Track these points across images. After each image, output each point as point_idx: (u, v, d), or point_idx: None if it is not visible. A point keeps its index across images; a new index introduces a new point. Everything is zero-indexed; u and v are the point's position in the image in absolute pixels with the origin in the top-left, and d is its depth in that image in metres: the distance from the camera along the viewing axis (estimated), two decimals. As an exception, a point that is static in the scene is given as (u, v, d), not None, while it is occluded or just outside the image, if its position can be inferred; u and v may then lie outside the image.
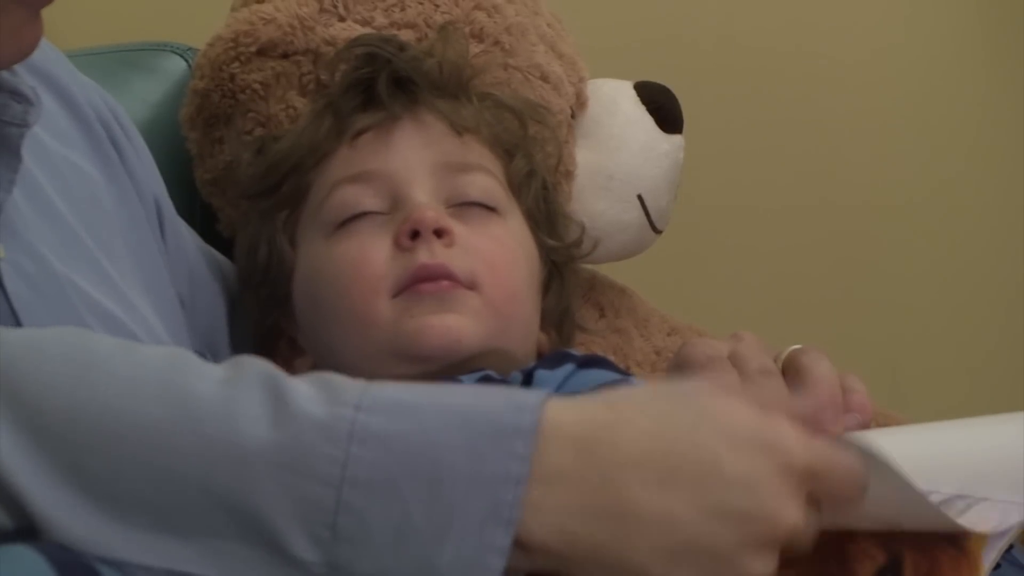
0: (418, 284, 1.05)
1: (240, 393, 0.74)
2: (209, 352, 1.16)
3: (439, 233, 1.05)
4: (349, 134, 1.12)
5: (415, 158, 1.10)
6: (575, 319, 1.22)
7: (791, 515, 0.74)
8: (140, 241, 1.10)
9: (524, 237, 1.13)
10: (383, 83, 1.12)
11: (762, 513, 0.73)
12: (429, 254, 1.05)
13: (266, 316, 1.15)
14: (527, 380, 1.03)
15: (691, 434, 0.74)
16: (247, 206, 1.18)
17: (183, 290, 1.16)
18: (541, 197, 1.16)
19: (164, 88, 1.38)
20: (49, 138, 1.04)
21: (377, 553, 0.71)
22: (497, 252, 1.08)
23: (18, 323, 0.91)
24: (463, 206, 1.09)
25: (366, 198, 1.09)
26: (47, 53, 1.08)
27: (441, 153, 1.10)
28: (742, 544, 0.73)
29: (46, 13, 0.89)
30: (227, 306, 1.21)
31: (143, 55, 1.41)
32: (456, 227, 1.07)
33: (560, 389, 1.00)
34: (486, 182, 1.11)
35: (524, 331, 1.11)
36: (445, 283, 1.05)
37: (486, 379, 1.02)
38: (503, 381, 1.02)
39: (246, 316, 1.19)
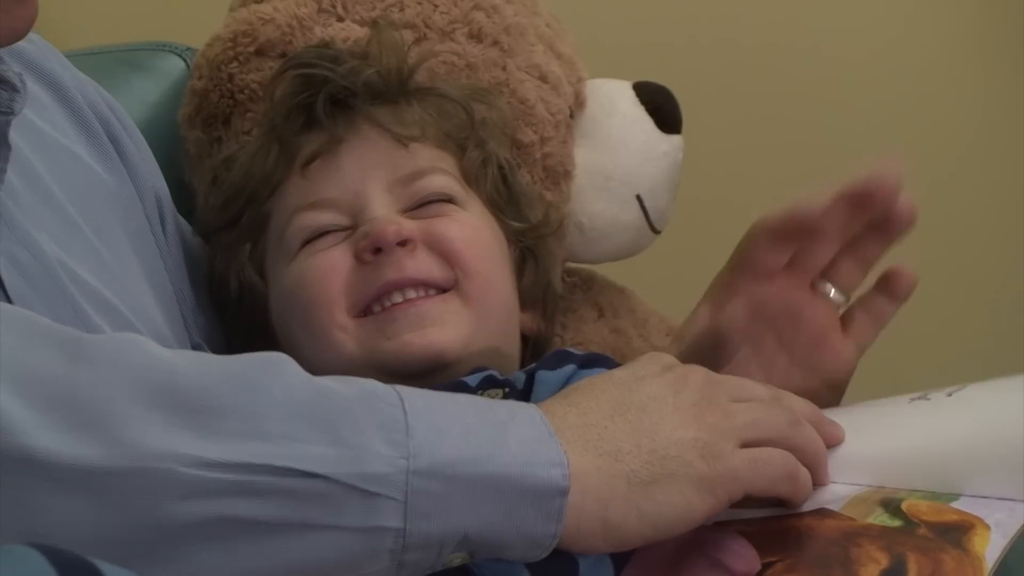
0: (385, 301, 1.05)
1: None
2: (207, 348, 1.16)
3: (401, 244, 1.05)
4: (298, 162, 1.12)
5: (368, 179, 1.10)
6: (556, 293, 1.23)
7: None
8: (137, 232, 1.10)
9: (487, 222, 1.13)
10: (321, 105, 1.12)
11: (666, 361, 0.90)
12: (395, 269, 1.05)
13: (248, 346, 1.15)
14: (530, 380, 1.03)
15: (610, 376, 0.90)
16: (212, 240, 1.17)
17: (183, 285, 1.16)
18: (500, 181, 1.16)
19: (163, 88, 1.37)
20: (47, 128, 1.04)
21: (453, 443, 0.79)
22: (463, 235, 1.09)
23: None
24: (421, 206, 1.10)
25: (326, 220, 1.09)
26: (42, 49, 1.08)
27: (392, 169, 1.10)
28: (687, 389, 0.87)
29: (46, 13, 0.89)
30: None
31: (142, 55, 1.40)
32: (417, 228, 1.07)
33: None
34: (440, 180, 1.11)
35: (504, 316, 1.11)
36: (417, 299, 1.05)
37: (489, 379, 1.03)
38: (507, 382, 1.03)
39: None
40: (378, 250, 1.05)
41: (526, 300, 1.15)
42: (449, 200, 1.10)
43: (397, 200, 1.09)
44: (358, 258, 1.06)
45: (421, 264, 1.06)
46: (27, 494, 0.72)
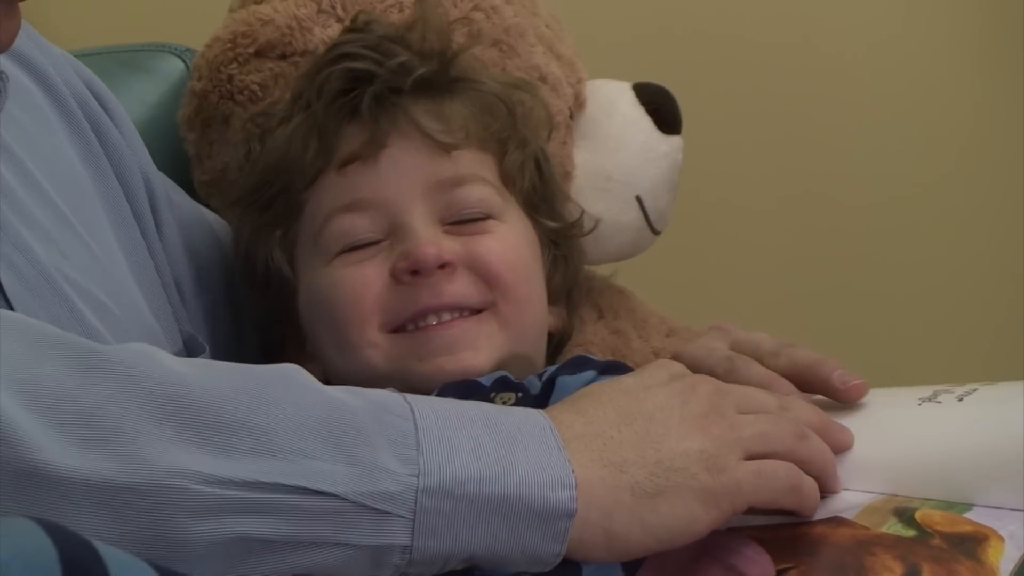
0: (420, 321, 1.05)
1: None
2: (205, 332, 1.16)
3: (441, 267, 1.05)
4: (337, 159, 1.10)
5: (407, 183, 1.08)
6: (582, 287, 1.23)
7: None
8: (120, 223, 1.10)
9: (524, 230, 1.13)
10: (367, 103, 1.10)
11: (674, 370, 0.90)
12: (432, 293, 1.05)
13: (271, 327, 1.15)
14: (549, 385, 1.03)
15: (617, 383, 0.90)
16: (239, 214, 1.17)
17: (178, 272, 1.15)
18: (536, 178, 1.15)
19: (162, 89, 1.38)
20: (29, 121, 1.03)
21: (463, 460, 0.80)
22: (503, 256, 1.08)
23: None
24: (460, 223, 1.09)
25: (362, 226, 1.08)
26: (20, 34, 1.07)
27: (432, 173, 1.09)
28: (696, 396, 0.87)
29: (46, 13, 0.88)
30: (226, 281, 1.20)
31: (141, 56, 1.40)
32: (456, 249, 1.06)
33: None
34: (480, 192, 1.10)
35: (536, 332, 1.11)
36: (452, 321, 1.05)
37: (503, 381, 1.03)
38: (520, 386, 1.03)
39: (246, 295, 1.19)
40: (416, 271, 1.05)
41: (553, 297, 1.15)
42: (488, 216, 1.09)
43: (435, 207, 1.08)
44: (395, 277, 1.06)
45: (458, 288, 1.06)
46: (38, 509, 0.72)
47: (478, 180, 1.10)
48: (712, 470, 0.84)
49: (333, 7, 1.28)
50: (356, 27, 1.18)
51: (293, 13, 1.27)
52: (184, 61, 1.39)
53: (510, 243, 1.10)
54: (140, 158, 1.14)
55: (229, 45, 1.27)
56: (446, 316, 1.05)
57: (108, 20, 1.73)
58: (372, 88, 1.10)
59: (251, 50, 1.26)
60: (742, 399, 0.89)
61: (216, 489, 0.75)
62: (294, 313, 1.13)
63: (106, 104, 1.13)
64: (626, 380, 0.89)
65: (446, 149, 1.09)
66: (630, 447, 0.84)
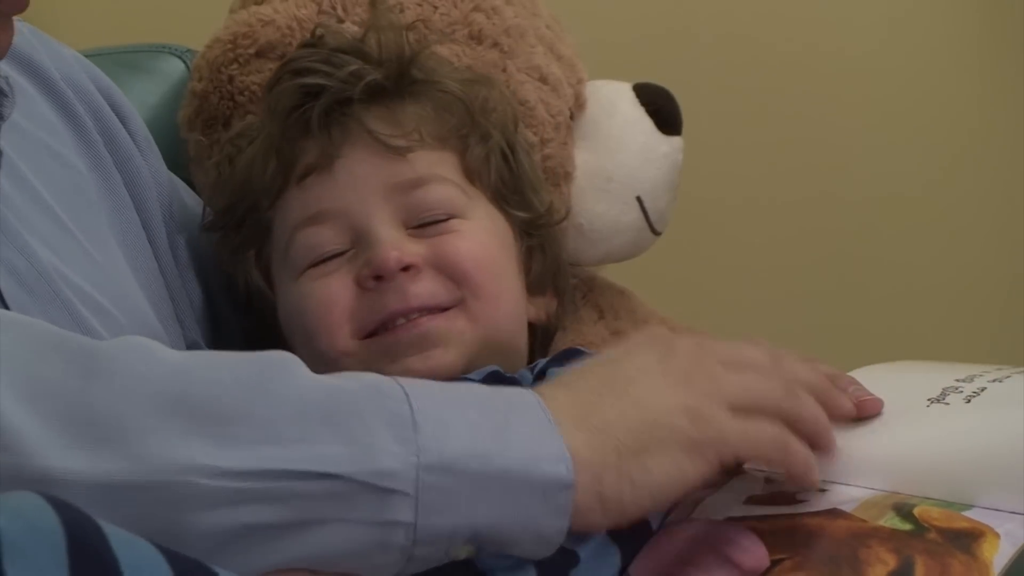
0: (389, 324, 1.05)
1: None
2: (211, 342, 1.16)
3: (404, 269, 1.05)
4: (295, 175, 1.11)
5: (365, 189, 1.08)
6: (567, 273, 1.22)
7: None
8: (126, 231, 1.10)
9: (492, 225, 1.12)
10: (316, 117, 1.10)
11: (655, 333, 0.92)
12: (398, 297, 1.05)
13: (262, 340, 1.15)
14: (540, 378, 1.03)
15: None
16: (217, 238, 1.17)
17: (188, 279, 1.16)
18: (504, 170, 1.14)
19: (163, 90, 1.38)
20: (33, 127, 1.03)
21: (459, 437, 0.80)
22: (472, 255, 1.08)
23: None
24: (425, 225, 1.09)
25: (326, 238, 1.08)
26: (26, 37, 1.06)
27: (389, 175, 1.09)
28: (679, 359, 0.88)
29: (47, 14, 0.88)
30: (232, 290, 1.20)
31: (142, 57, 1.41)
32: (420, 251, 1.06)
33: None
34: (442, 192, 1.10)
35: (511, 326, 1.11)
36: (420, 320, 1.05)
37: (494, 376, 1.03)
38: (512, 380, 1.03)
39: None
40: (379, 277, 1.05)
41: (535, 288, 1.15)
42: (452, 216, 1.09)
43: (397, 210, 1.08)
44: (360, 284, 1.06)
45: (424, 289, 1.06)
46: None
47: (438, 180, 1.10)
48: (695, 421, 0.84)
49: (334, 8, 1.28)
50: (309, 42, 1.18)
51: (294, 14, 1.27)
52: (185, 62, 1.39)
53: (477, 240, 1.09)
54: (153, 165, 1.15)
55: (230, 46, 1.27)
56: (415, 315, 1.05)
57: (109, 21, 1.73)
58: (321, 101, 1.10)
59: (252, 51, 1.26)
60: (728, 355, 0.89)
61: (223, 482, 0.76)
62: (277, 329, 1.13)
63: (119, 110, 1.13)
64: (609, 352, 0.90)
65: (400, 152, 1.09)
66: (611, 409, 0.85)
